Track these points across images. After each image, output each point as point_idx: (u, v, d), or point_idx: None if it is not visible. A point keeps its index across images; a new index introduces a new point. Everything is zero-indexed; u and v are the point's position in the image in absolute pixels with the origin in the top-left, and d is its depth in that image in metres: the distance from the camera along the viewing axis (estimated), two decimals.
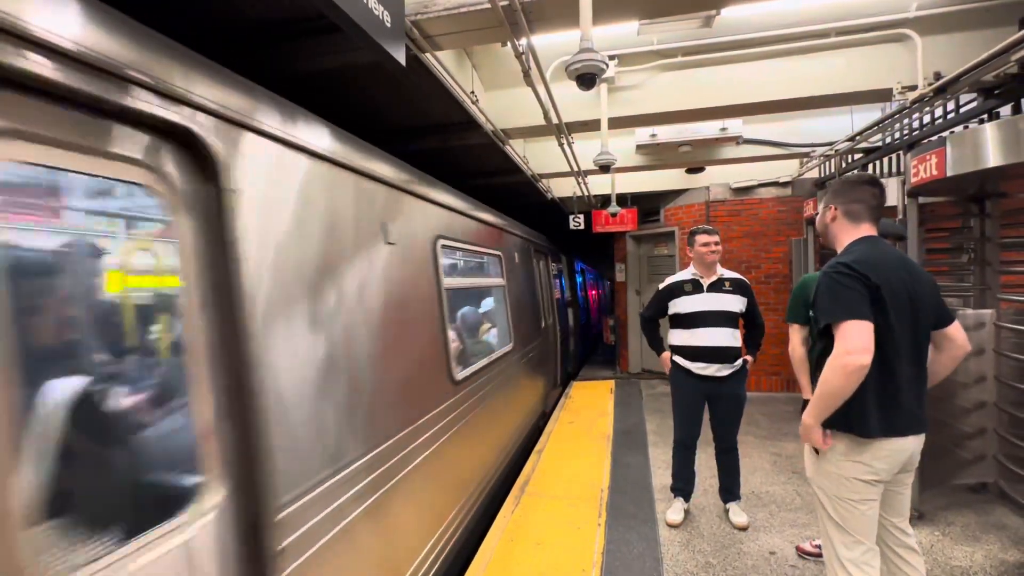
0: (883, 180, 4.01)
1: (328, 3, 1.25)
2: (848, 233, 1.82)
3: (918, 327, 1.70)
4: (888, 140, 4.12)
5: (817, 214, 1.99)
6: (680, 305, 3.06)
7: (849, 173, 2.01)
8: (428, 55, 2.75)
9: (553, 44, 3.74)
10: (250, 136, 1.44)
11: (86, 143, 1.07)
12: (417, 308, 2.51)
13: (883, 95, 3.89)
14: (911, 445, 1.71)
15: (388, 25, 1.46)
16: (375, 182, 2.17)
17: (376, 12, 1.38)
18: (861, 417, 1.65)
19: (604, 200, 7.59)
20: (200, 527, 1.22)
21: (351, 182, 1.97)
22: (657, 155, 5.77)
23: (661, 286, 3.20)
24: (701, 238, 3.05)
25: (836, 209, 1.85)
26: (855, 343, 1.55)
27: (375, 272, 2.12)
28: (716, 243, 3.02)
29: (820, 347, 1.79)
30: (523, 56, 2.68)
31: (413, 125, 4.24)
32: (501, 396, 3.88)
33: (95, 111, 1.08)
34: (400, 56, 1.55)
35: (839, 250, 1.84)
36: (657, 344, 3.23)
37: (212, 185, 1.32)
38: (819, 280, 1.73)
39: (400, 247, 2.36)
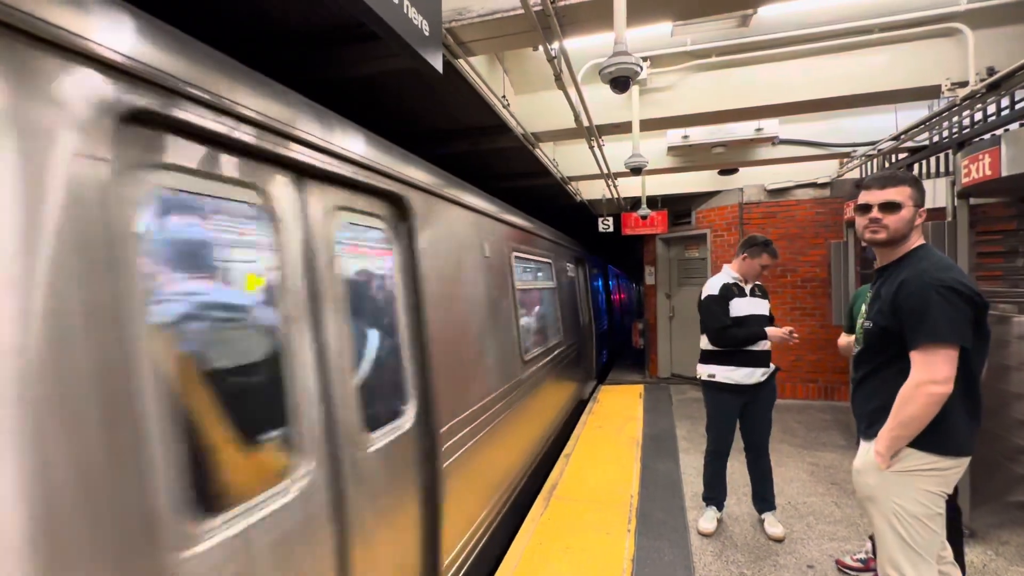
0: (931, 180, 3.86)
1: (370, 14, 1.28)
2: (916, 240, 1.72)
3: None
4: (936, 139, 3.94)
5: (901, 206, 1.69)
6: (736, 308, 2.96)
7: (903, 171, 1.85)
8: (461, 61, 2.79)
9: (584, 46, 3.74)
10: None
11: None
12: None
13: (930, 92, 3.73)
14: None
15: (426, 34, 1.49)
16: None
17: (416, 22, 1.41)
18: (948, 436, 1.57)
19: (634, 202, 7.51)
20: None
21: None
22: (689, 157, 5.69)
23: (715, 292, 2.99)
24: (767, 259, 2.95)
25: (924, 212, 1.73)
26: (943, 372, 1.49)
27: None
28: (772, 267, 3.02)
29: (876, 364, 1.71)
30: (555, 60, 2.69)
31: (444, 129, 4.30)
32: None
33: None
34: (437, 63, 1.57)
35: (894, 256, 1.73)
36: (750, 336, 2.89)
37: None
38: (922, 293, 1.55)
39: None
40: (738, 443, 3.09)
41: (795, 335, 2.82)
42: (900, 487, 1.63)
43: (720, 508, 3.21)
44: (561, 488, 3.79)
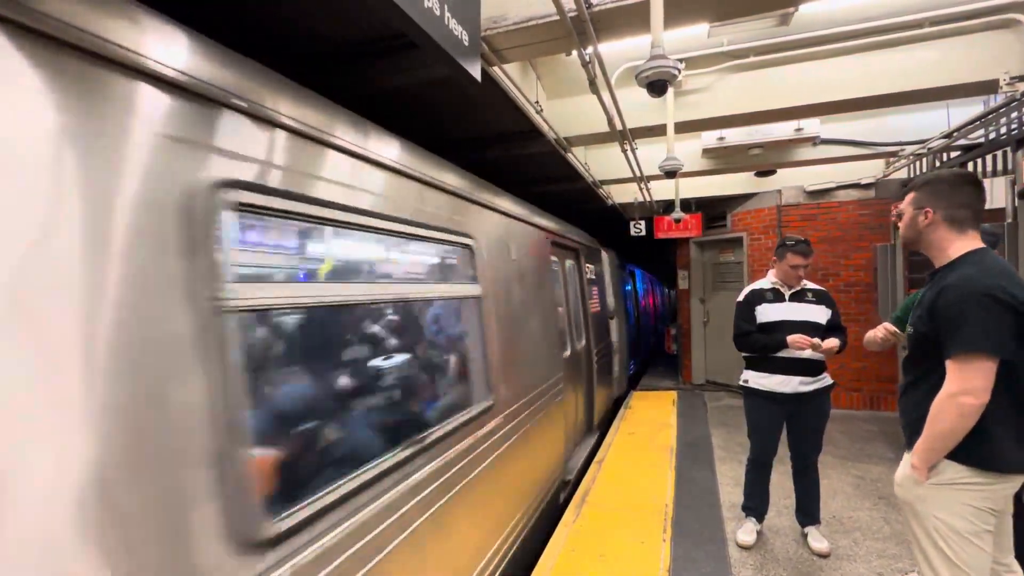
0: (989, 180, 3.65)
1: (412, 26, 1.31)
2: (953, 242, 1.63)
3: None
4: (992, 136, 3.74)
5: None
6: (762, 313, 2.90)
7: (941, 170, 1.79)
8: (496, 68, 2.81)
9: (617, 49, 3.70)
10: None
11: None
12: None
13: (987, 87, 3.54)
14: None
15: (466, 44, 1.52)
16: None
17: (456, 32, 1.44)
18: (991, 451, 1.50)
19: (667, 205, 7.39)
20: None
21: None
22: (725, 159, 5.56)
23: (740, 298, 3.02)
24: (794, 259, 2.82)
25: (934, 213, 1.64)
26: (977, 383, 1.44)
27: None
28: (806, 266, 2.84)
29: (920, 372, 1.66)
30: (589, 65, 2.68)
31: (477, 135, 4.34)
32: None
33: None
34: (476, 72, 1.59)
35: (941, 259, 1.66)
36: (769, 342, 2.81)
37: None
38: (959, 300, 1.50)
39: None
40: (781, 452, 3.00)
41: (820, 347, 2.65)
42: (941, 501, 1.56)
43: (760, 520, 3.11)
44: (593, 495, 3.76)
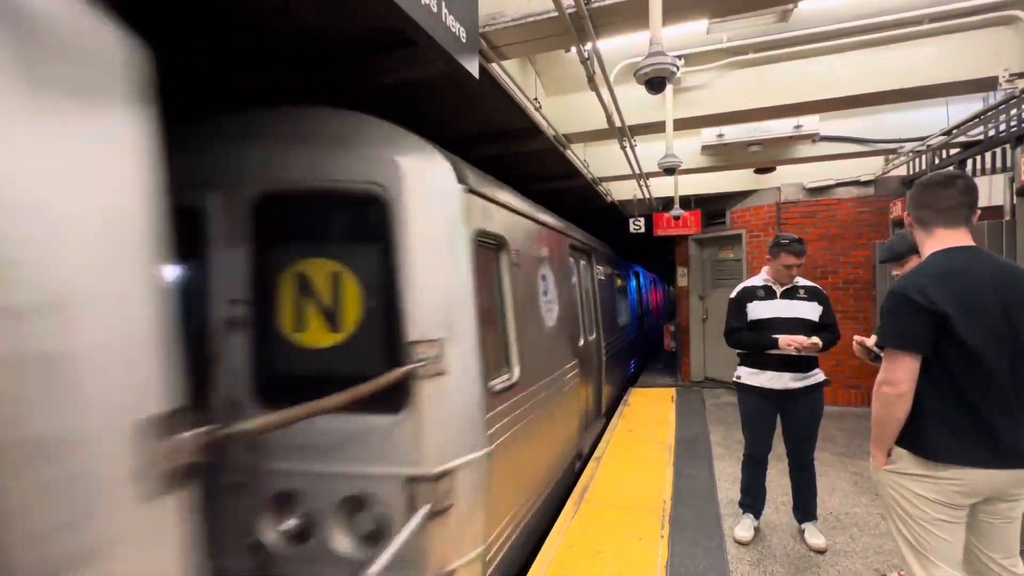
0: (988, 177, 3.65)
1: (409, 22, 1.31)
2: (925, 242, 1.71)
3: (1019, 346, 1.51)
4: (992, 133, 3.74)
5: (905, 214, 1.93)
6: (753, 311, 2.91)
7: (927, 175, 1.91)
8: (495, 65, 2.81)
9: (616, 45, 3.70)
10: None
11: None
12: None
13: (986, 84, 3.54)
14: (999, 479, 1.52)
15: (463, 40, 1.52)
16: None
17: (454, 29, 1.44)
18: (921, 439, 1.59)
19: (666, 202, 7.39)
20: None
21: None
22: (724, 156, 5.56)
23: (732, 295, 3.05)
24: (787, 258, 2.82)
25: (909, 216, 1.77)
26: (894, 375, 1.57)
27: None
28: (799, 265, 2.84)
29: None
30: (588, 61, 2.68)
31: (476, 133, 4.33)
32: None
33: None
34: (474, 69, 1.59)
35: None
36: (758, 340, 2.83)
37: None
38: (886, 300, 1.66)
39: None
40: (779, 450, 3.01)
41: (807, 344, 2.65)
42: (894, 486, 1.67)
43: (757, 516, 3.12)
44: (592, 491, 3.77)
